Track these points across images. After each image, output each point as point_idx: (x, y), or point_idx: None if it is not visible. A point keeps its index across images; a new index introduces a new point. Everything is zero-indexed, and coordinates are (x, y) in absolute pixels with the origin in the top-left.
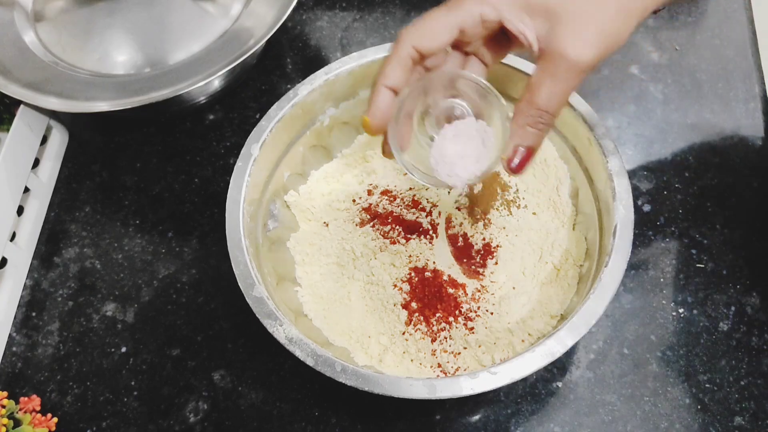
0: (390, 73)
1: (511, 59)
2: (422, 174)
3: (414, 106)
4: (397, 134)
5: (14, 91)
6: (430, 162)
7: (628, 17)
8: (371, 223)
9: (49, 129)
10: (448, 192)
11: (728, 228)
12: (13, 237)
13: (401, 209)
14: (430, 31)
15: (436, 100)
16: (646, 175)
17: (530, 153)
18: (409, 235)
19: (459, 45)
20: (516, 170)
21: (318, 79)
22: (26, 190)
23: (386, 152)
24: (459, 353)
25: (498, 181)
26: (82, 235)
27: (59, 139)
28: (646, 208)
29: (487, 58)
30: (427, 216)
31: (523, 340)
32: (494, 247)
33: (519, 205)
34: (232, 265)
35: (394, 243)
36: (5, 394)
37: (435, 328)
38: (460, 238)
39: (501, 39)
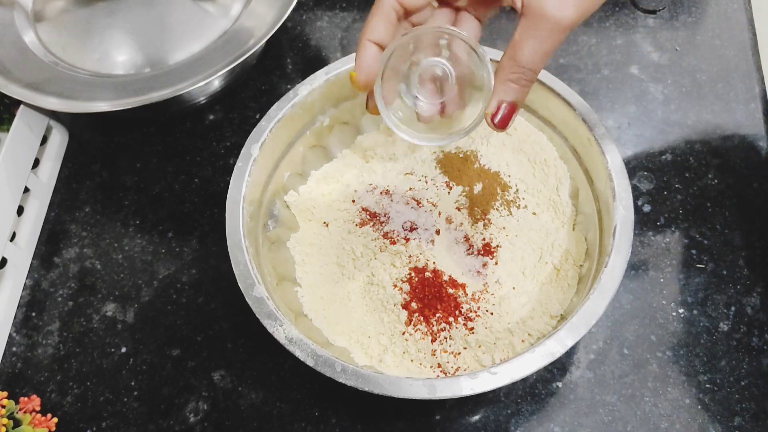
0: (374, 27)
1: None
2: (407, 131)
3: (400, 63)
4: (383, 90)
5: (14, 91)
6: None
7: None
8: (371, 223)
9: (49, 129)
10: (448, 192)
11: (728, 228)
12: (13, 237)
13: (401, 209)
14: None
15: (419, 59)
16: (646, 175)
17: (513, 108)
18: (409, 235)
19: (447, 0)
20: (500, 125)
21: (318, 79)
22: (26, 190)
23: (370, 107)
24: (459, 353)
25: (498, 181)
26: (82, 235)
27: (59, 139)
28: (646, 208)
29: (479, 13)
30: (427, 216)
31: (523, 341)
32: (494, 247)
33: (519, 205)
34: (232, 265)
35: (394, 243)
36: (5, 394)
37: (435, 328)
38: (461, 238)
39: None
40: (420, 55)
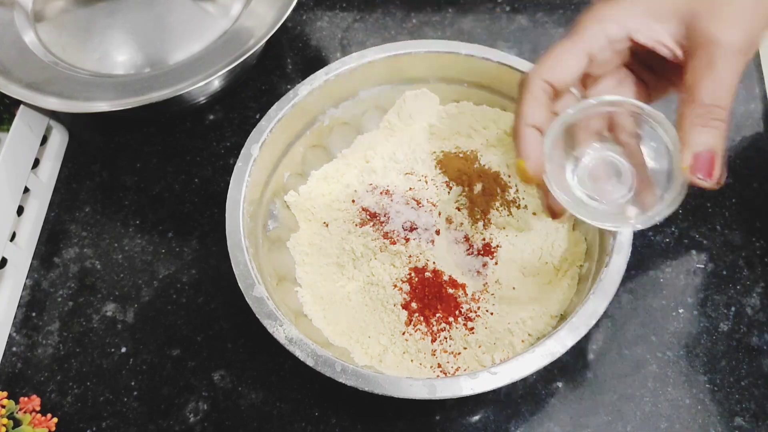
0: (528, 112)
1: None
2: (598, 217)
3: (562, 156)
4: (556, 184)
5: (14, 91)
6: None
7: None
8: (371, 223)
9: (49, 129)
10: (448, 192)
11: (728, 228)
12: (13, 237)
13: (401, 209)
14: (558, 61)
15: (583, 151)
16: None
17: (713, 155)
18: (409, 235)
19: (595, 78)
20: (706, 175)
21: (318, 79)
22: (26, 190)
23: (555, 213)
24: (459, 353)
25: (498, 181)
26: (82, 235)
27: (59, 139)
28: None
29: (643, 95)
30: (427, 216)
31: (523, 341)
32: (494, 247)
33: (519, 205)
34: (232, 265)
35: (394, 243)
36: (5, 394)
37: (435, 328)
38: (461, 238)
39: (651, 68)
40: (580, 148)
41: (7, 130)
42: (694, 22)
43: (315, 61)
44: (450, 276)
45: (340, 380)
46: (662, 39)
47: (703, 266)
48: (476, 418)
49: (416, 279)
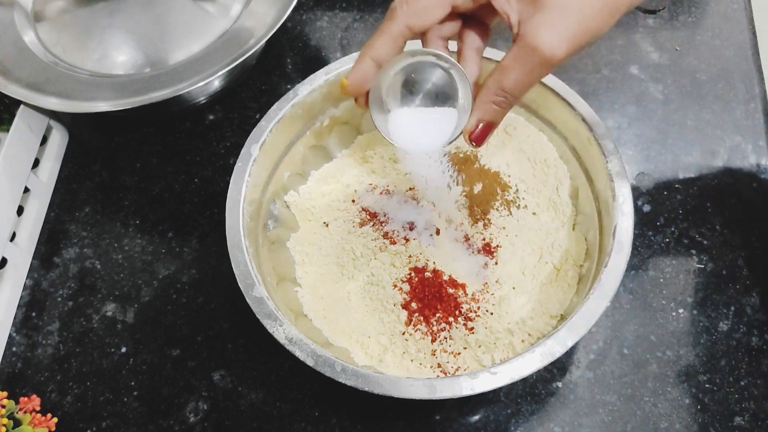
0: (378, 46)
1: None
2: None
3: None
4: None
5: (14, 91)
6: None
7: (612, 12)
8: (371, 223)
9: (49, 129)
10: (448, 192)
11: (728, 228)
12: (13, 237)
13: (401, 209)
14: (424, 9)
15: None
16: (646, 175)
17: (490, 127)
18: (409, 235)
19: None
20: (477, 142)
21: (318, 79)
22: (26, 190)
23: (359, 103)
24: (459, 353)
25: (498, 181)
26: (82, 235)
27: (59, 139)
28: (646, 208)
29: (488, 19)
30: (427, 216)
31: (523, 341)
32: (494, 247)
33: (519, 205)
34: (232, 265)
35: (394, 243)
36: (5, 394)
37: (435, 328)
38: (461, 238)
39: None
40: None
41: (7, 130)
42: (536, 16)
43: (315, 61)
44: (450, 276)
45: (340, 380)
46: (510, 14)
47: (703, 266)
48: (476, 418)
49: (416, 279)
